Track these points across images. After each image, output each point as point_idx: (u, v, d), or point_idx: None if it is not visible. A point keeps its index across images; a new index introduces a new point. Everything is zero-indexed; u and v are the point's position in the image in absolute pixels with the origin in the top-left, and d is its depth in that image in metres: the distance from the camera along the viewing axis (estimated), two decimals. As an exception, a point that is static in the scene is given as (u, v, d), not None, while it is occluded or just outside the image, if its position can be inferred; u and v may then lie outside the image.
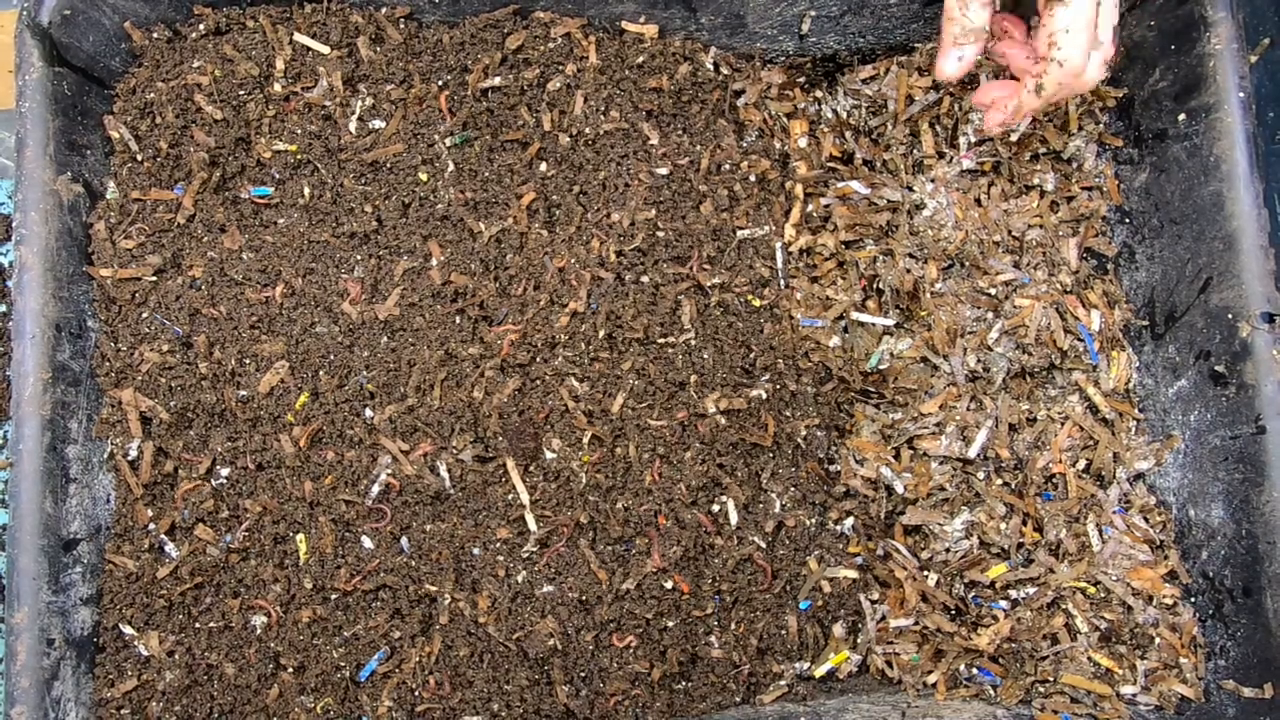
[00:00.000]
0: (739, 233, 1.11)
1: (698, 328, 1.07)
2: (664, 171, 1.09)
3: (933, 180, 1.12)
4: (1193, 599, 1.03)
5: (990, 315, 1.10)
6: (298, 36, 1.05)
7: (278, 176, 1.05)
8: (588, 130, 1.08)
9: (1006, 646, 1.04)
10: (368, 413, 1.01)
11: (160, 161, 1.02)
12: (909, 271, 1.11)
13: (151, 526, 0.98)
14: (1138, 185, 1.10)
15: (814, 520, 1.08)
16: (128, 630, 0.97)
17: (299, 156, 1.04)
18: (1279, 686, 0.94)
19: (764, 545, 1.05)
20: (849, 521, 1.09)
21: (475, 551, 1.01)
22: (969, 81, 1.12)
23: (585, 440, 1.02)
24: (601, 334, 1.04)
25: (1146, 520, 1.05)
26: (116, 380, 0.99)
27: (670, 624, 1.02)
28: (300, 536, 0.99)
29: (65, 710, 0.93)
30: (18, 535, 0.91)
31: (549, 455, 1.02)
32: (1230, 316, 0.99)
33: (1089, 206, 1.11)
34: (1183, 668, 1.01)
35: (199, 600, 0.99)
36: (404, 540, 1.00)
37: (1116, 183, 1.12)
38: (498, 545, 1.01)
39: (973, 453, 1.07)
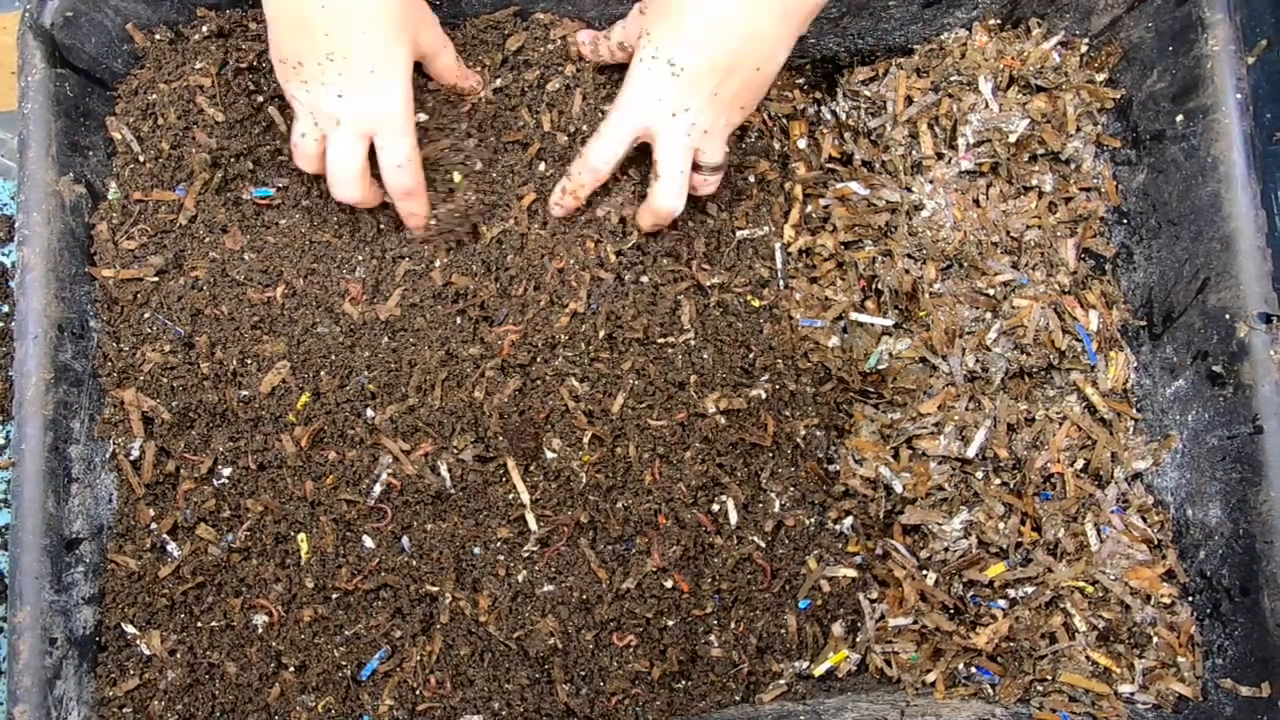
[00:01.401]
0: (738, 233, 1.11)
1: (697, 328, 1.07)
2: (664, 172, 1.09)
3: (931, 181, 1.12)
4: (1190, 598, 1.03)
5: (989, 315, 1.10)
6: (299, 38, 1.05)
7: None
8: (586, 130, 1.08)
9: (1005, 645, 1.04)
10: (369, 413, 1.01)
11: (162, 162, 1.02)
12: (908, 272, 1.11)
13: (153, 526, 0.99)
14: (1136, 186, 1.10)
15: (813, 520, 1.08)
16: (130, 629, 0.98)
17: (300, 157, 1.05)
18: (1276, 685, 0.94)
19: (763, 545, 1.06)
20: (848, 521, 1.09)
21: (476, 551, 1.02)
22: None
23: (585, 440, 1.03)
24: (601, 334, 1.04)
25: (1144, 520, 1.06)
26: (119, 380, 0.99)
27: (670, 623, 1.02)
28: (301, 536, 1.00)
29: (67, 709, 0.93)
30: (20, 535, 0.92)
31: (549, 455, 1.02)
32: (1228, 317, 0.99)
33: (1087, 207, 1.12)
34: (1180, 666, 1.01)
35: (201, 599, 0.99)
36: (405, 540, 1.01)
37: (1114, 183, 1.13)
38: (498, 545, 1.02)
39: (971, 452, 1.07)
